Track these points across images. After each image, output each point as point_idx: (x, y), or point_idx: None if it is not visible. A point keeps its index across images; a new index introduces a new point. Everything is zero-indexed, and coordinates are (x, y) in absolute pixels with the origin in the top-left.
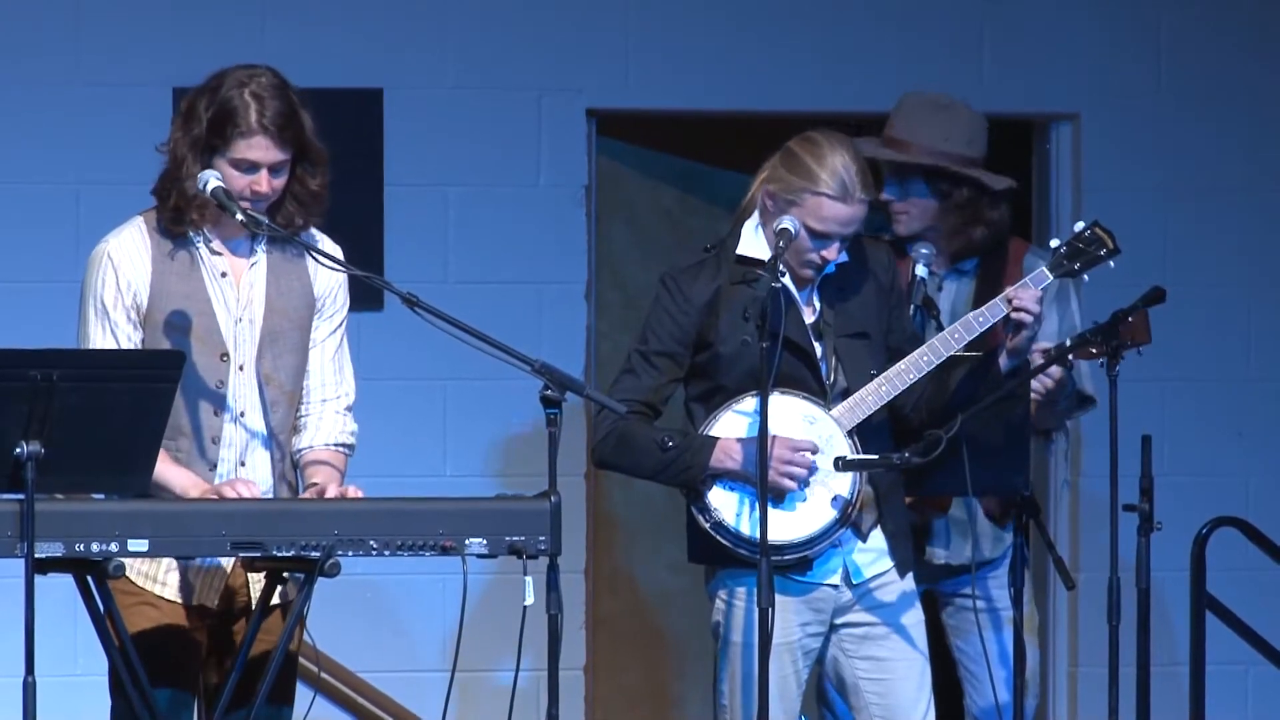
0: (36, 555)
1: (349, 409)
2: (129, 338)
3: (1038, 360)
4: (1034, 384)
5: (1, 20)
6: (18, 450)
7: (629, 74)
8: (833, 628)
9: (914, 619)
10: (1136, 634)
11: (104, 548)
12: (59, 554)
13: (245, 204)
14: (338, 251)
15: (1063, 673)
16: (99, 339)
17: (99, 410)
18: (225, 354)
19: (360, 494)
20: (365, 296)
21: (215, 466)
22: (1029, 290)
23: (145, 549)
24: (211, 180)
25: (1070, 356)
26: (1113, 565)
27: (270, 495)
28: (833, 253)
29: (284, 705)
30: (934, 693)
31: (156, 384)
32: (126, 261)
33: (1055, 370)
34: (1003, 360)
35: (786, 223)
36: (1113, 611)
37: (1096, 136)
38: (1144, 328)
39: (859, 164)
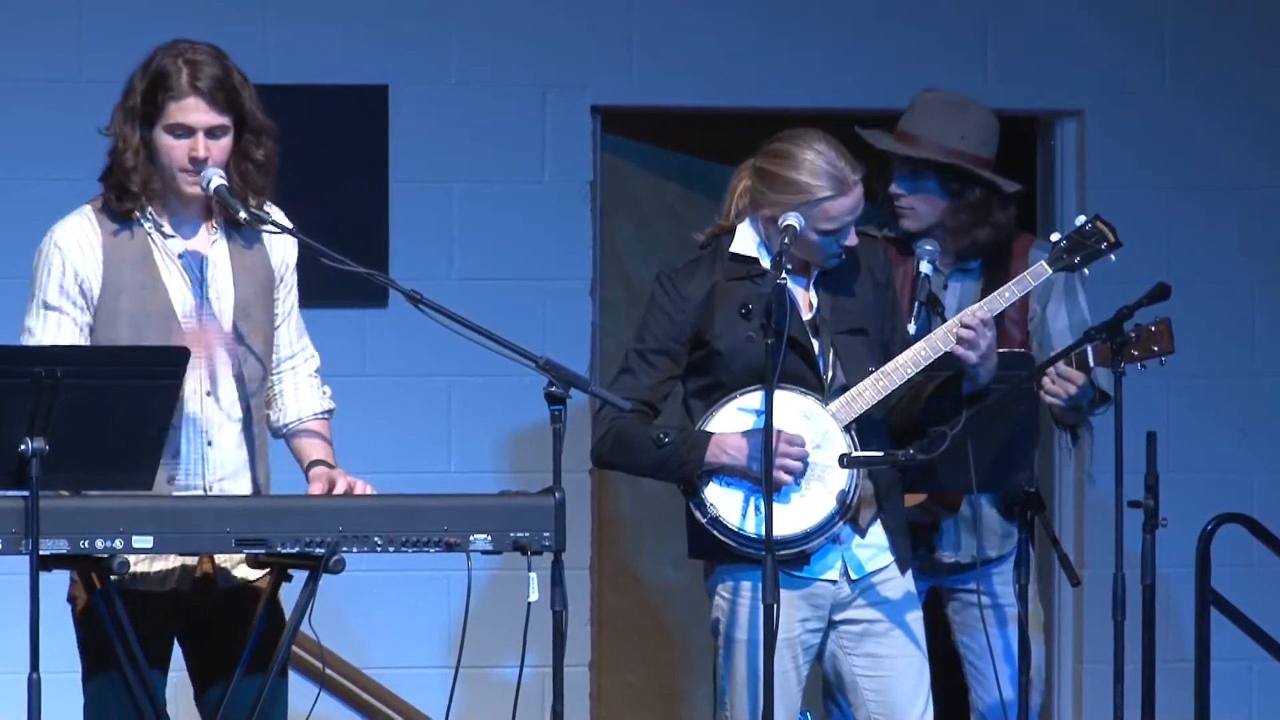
0: (41, 552)
1: (318, 371)
2: (75, 322)
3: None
4: (1055, 388)
5: (4, 17)
6: (22, 447)
7: (633, 70)
8: (831, 624)
9: (913, 616)
10: (1142, 630)
11: (108, 544)
12: (63, 551)
13: (188, 175)
14: (284, 219)
15: (1068, 669)
16: (39, 329)
17: (103, 407)
18: (183, 335)
19: (370, 489)
20: (369, 293)
21: (178, 450)
22: (980, 312)
23: (149, 545)
24: (215, 178)
25: (1089, 360)
26: (1118, 561)
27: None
28: (851, 239)
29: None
30: (935, 690)
31: (160, 380)
32: (75, 250)
33: (1076, 375)
34: (966, 383)
35: (791, 219)
36: (1118, 608)
37: (1101, 133)
38: (1167, 337)
39: (835, 148)
